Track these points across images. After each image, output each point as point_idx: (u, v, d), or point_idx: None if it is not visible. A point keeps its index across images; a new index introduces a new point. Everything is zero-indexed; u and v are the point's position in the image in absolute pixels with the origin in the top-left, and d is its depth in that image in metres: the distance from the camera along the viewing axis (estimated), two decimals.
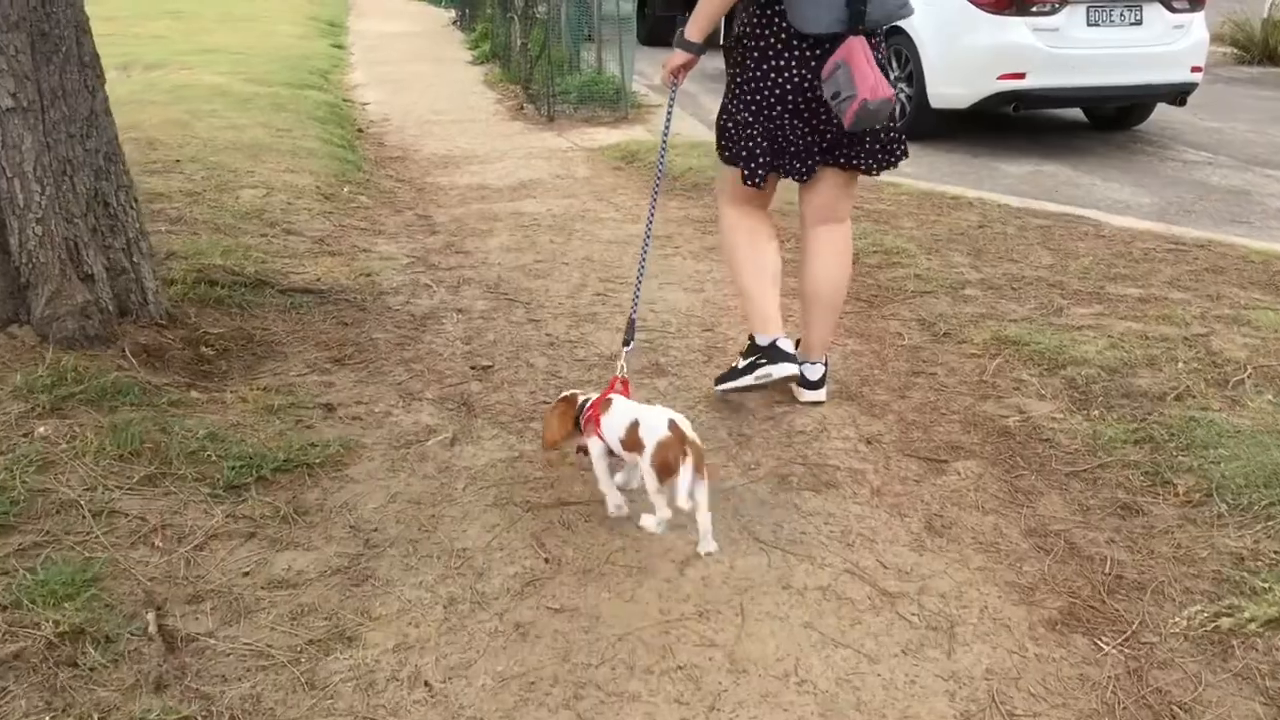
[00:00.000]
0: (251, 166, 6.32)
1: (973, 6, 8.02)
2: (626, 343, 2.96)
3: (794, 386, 3.38)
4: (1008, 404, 3.44)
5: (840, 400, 3.46)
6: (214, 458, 2.85)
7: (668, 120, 3.38)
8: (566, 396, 2.78)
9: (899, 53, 8.65)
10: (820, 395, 3.40)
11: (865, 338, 4.05)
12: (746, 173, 3.12)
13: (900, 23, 8.90)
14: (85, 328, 3.21)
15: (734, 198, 3.25)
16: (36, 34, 3.16)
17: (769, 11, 2.96)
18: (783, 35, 2.96)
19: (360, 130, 8.94)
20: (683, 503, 2.39)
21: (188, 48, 11.81)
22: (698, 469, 2.41)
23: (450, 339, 3.96)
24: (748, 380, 3.22)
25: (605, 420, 2.60)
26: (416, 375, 3.61)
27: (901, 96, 8.65)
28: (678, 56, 3.08)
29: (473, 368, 3.70)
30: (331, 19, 17.17)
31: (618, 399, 2.65)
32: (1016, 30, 7.90)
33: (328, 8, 19.12)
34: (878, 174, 3.18)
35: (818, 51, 2.94)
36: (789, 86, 2.99)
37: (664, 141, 3.39)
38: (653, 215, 3.25)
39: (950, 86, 8.22)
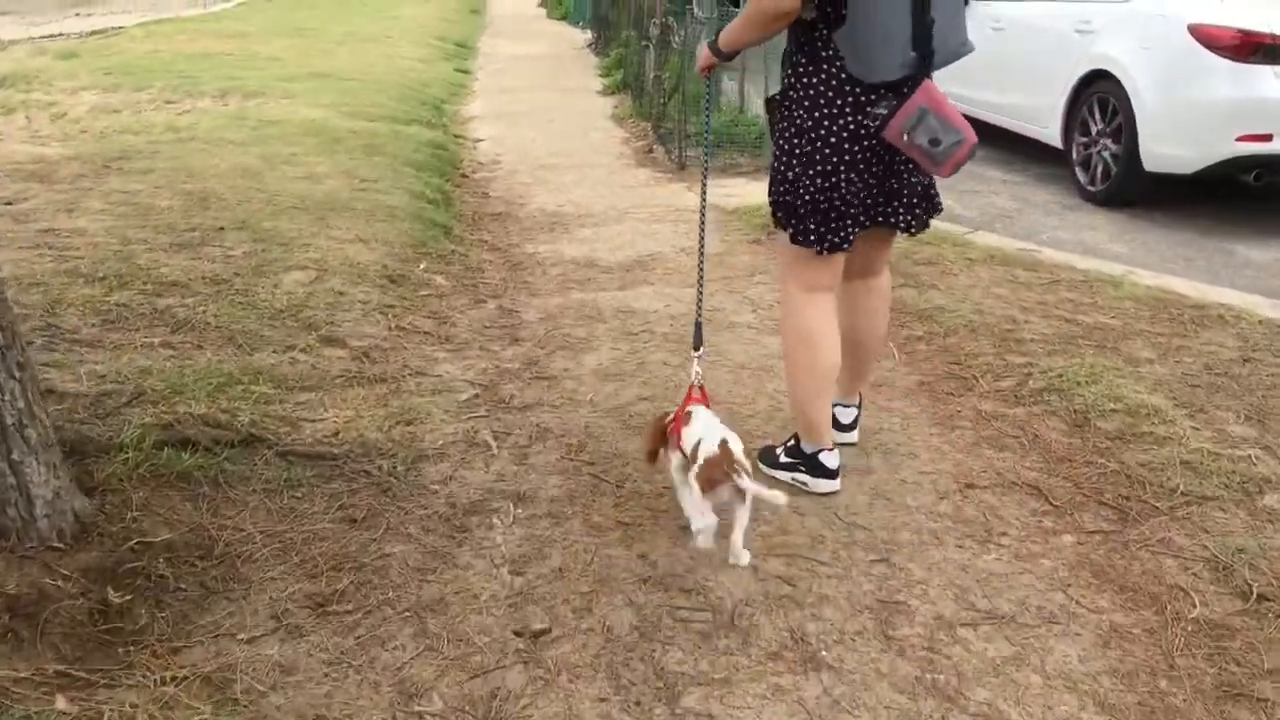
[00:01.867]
0: (312, 235, 5.20)
1: (1206, 51, 6.42)
2: (696, 348, 2.99)
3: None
4: None
5: None
6: None
7: (708, 109, 3.38)
8: (659, 414, 2.95)
9: (1104, 101, 7.10)
10: (853, 437, 3.38)
11: (1129, 594, 2.61)
12: (824, 242, 2.81)
13: (1108, 66, 7.44)
14: None
15: (800, 279, 2.94)
16: None
17: (819, 59, 2.72)
18: (833, 83, 2.71)
19: (464, 176, 7.81)
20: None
21: (298, 72, 10.94)
22: (741, 489, 2.48)
23: (495, 562, 2.68)
24: (783, 477, 3.14)
25: (685, 432, 2.67)
26: (429, 647, 2.34)
27: (1106, 154, 7.10)
28: (707, 56, 2.98)
29: (518, 633, 2.41)
30: (462, 39, 16.27)
31: (697, 411, 2.73)
32: (1264, 82, 6.28)
33: (460, 26, 18.27)
34: (918, 233, 2.99)
35: (871, 96, 2.69)
36: (845, 135, 2.73)
37: (707, 129, 3.44)
38: (705, 189, 3.22)
39: (1173, 146, 6.63)
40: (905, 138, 2.65)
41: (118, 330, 3.85)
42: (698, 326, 3.05)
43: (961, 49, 2.78)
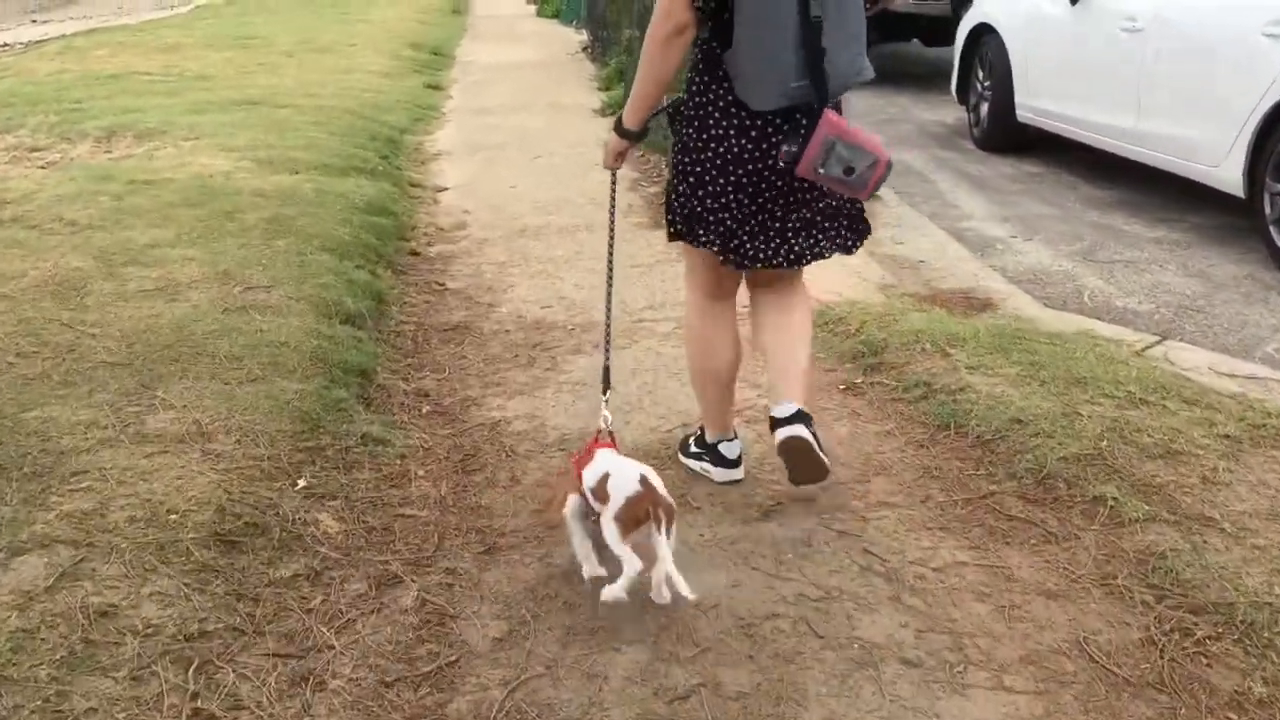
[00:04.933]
0: (105, 438, 3.02)
1: None
2: (605, 390, 2.95)
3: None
4: None
5: None
6: None
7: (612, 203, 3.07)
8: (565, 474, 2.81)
9: None
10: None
11: None
12: (727, 255, 2.82)
13: None
14: None
15: (694, 284, 3.03)
16: None
17: (708, 79, 2.70)
18: (721, 104, 2.69)
19: (414, 254, 5.61)
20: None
21: (221, 98, 8.73)
22: (667, 524, 2.39)
23: None
24: (693, 465, 3.23)
25: (586, 473, 2.57)
26: None
27: None
28: (615, 143, 2.90)
29: None
30: (437, 46, 13.96)
31: (602, 452, 2.64)
32: None
33: (437, 29, 15.95)
34: (854, 252, 2.98)
35: (758, 122, 2.68)
36: (729, 157, 2.72)
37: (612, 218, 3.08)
38: (613, 221, 3.06)
39: None
40: (820, 171, 2.63)
41: None
42: (605, 370, 2.99)
43: (857, 77, 2.72)
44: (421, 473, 3.23)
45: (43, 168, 6.51)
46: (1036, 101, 7.22)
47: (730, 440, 3.17)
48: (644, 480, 2.46)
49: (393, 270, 5.26)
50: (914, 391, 3.68)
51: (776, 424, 2.90)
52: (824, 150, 2.59)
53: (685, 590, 2.36)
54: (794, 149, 2.61)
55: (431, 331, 4.54)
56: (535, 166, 7.65)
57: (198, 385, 3.44)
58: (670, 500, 2.46)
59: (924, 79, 10.89)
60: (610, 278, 3.06)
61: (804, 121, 2.62)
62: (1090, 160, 7.14)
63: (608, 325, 3.10)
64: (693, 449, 3.26)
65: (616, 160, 2.95)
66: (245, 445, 3.11)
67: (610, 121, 2.98)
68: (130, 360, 3.56)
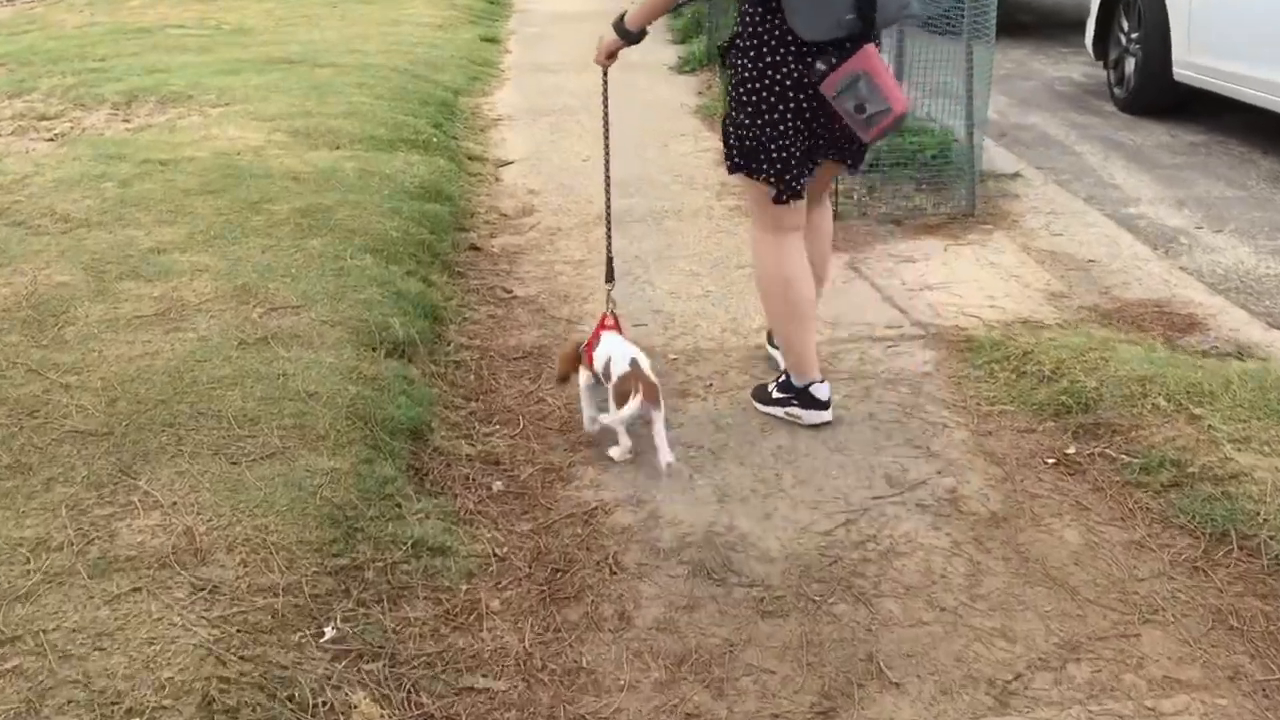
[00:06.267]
0: (67, 553, 2.17)
1: None
2: (608, 281, 3.19)
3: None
4: None
5: None
6: None
7: (605, 101, 3.30)
8: (575, 339, 3.18)
9: None
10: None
11: None
12: (781, 187, 2.92)
13: None
14: None
15: (760, 220, 3.07)
16: None
17: (763, 10, 2.78)
18: (776, 33, 2.78)
19: (475, 248, 4.69)
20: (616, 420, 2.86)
21: (256, 55, 7.82)
22: (651, 400, 2.79)
23: None
24: (776, 412, 3.19)
25: (595, 354, 2.97)
26: None
27: None
28: (612, 42, 3.05)
29: None
30: None
31: (606, 336, 3.00)
32: None
33: None
34: (858, 171, 3.45)
35: (814, 49, 2.75)
36: (788, 83, 2.80)
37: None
38: (607, 112, 3.29)
39: None
40: (835, 96, 2.73)
41: None
42: (609, 261, 3.23)
43: (901, 12, 2.83)
44: (496, 604, 2.33)
45: (50, 139, 5.66)
46: (1202, 58, 6.08)
47: (820, 382, 3.16)
48: (634, 362, 2.86)
49: (449, 272, 4.35)
50: (1159, 474, 2.70)
51: None
52: (848, 79, 2.71)
53: (666, 458, 2.81)
54: (823, 68, 2.72)
55: (499, 360, 3.62)
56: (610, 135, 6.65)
57: (195, 466, 2.55)
58: (654, 379, 2.86)
59: (1041, 29, 9.69)
60: (607, 162, 3.33)
61: (849, 47, 2.73)
62: (1259, 127, 6.02)
63: (608, 215, 3.36)
64: (775, 395, 3.21)
65: (609, 59, 3.14)
66: (252, 569, 2.22)
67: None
68: (110, 427, 2.68)
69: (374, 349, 3.35)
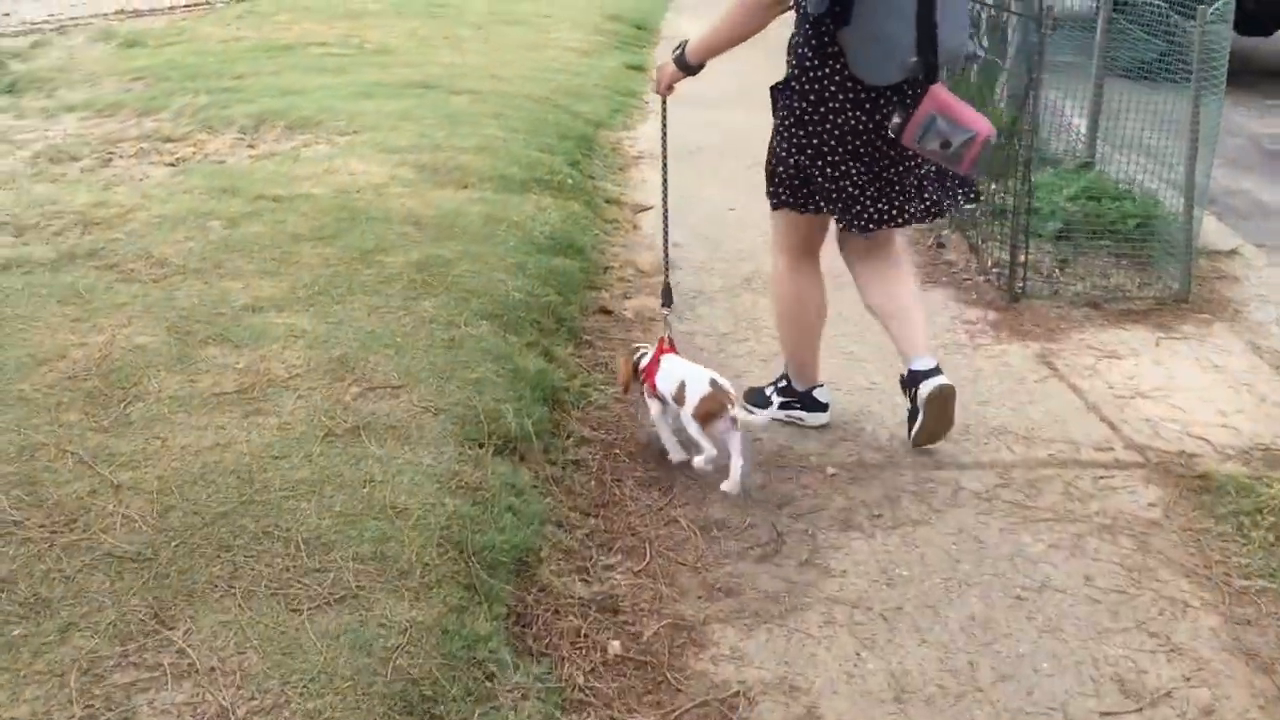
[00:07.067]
0: None
1: None
2: (665, 305, 3.29)
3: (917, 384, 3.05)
4: None
5: None
6: None
7: (664, 129, 3.36)
8: (631, 348, 3.21)
9: None
10: (943, 380, 2.99)
11: None
12: (849, 220, 2.94)
13: None
14: None
15: (785, 247, 3.17)
16: None
17: (825, 54, 2.77)
18: (837, 78, 2.78)
19: (606, 311, 4.17)
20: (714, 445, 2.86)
21: (394, 78, 7.49)
22: (733, 420, 2.82)
23: None
24: (778, 416, 3.22)
25: (658, 379, 2.96)
26: None
27: None
28: (672, 73, 3.06)
29: None
30: (641, 19, 12.45)
31: (667, 359, 3.01)
32: None
33: (640, 1, 14.48)
34: (936, 217, 3.11)
35: (872, 94, 2.78)
36: (846, 129, 2.83)
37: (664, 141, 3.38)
38: (665, 144, 3.36)
39: None
40: (919, 143, 2.74)
41: None
42: (666, 285, 3.34)
43: (961, 50, 2.83)
44: None
45: (170, 164, 5.37)
46: None
47: (821, 386, 3.26)
48: (714, 383, 2.88)
49: (575, 341, 3.83)
50: None
51: (920, 377, 2.99)
52: (925, 124, 2.71)
53: (732, 487, 2.87)
54: (899, 120, 2.73)
55: (624, 462, 3.08)
56: (757, 179, 6.06)
57: (246, 613, 2.06)
58: (734, 394, 2.91)
59: (1233, 77, 8.74)
60: (665, 196, 3.39)
61: (911, 94, 2.74)
62: None
63: (665, 243, 3.47)
64: (775, 399, 3.27)
65: (668, 90, 3.15)
66: None
67: None
68: (155, 549, 2.22)
69: (481, 445, 2.84)
